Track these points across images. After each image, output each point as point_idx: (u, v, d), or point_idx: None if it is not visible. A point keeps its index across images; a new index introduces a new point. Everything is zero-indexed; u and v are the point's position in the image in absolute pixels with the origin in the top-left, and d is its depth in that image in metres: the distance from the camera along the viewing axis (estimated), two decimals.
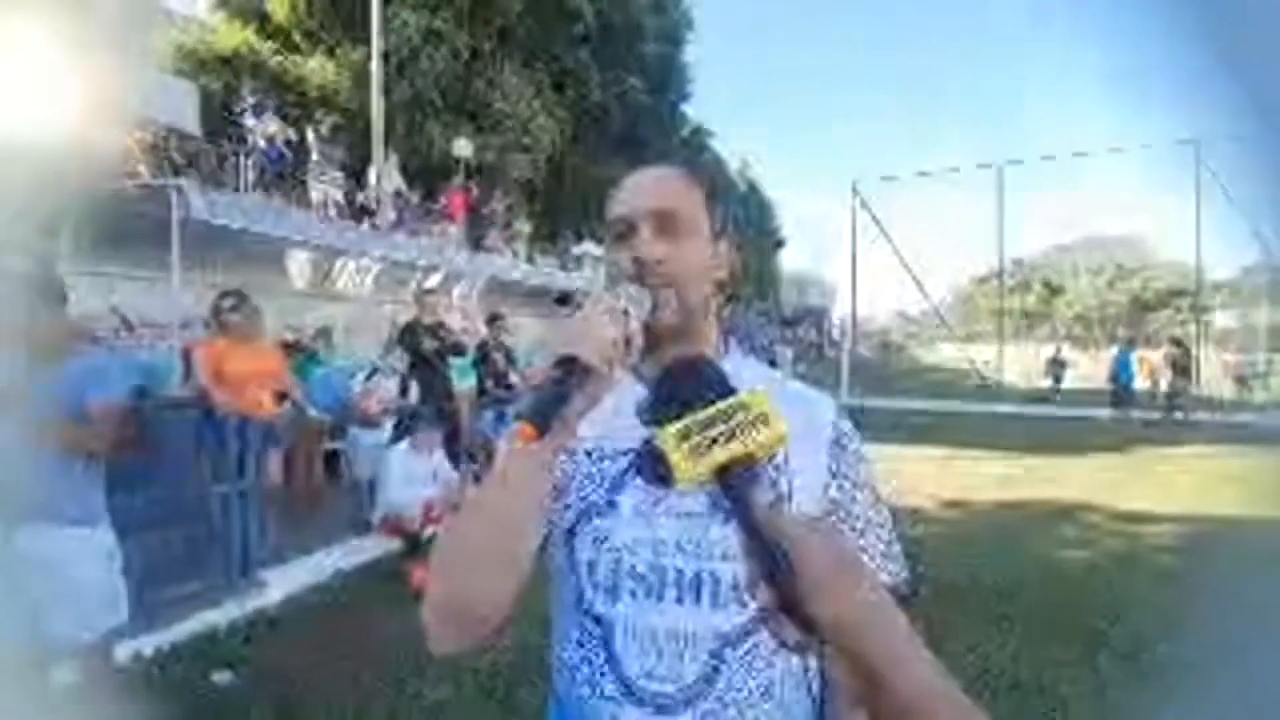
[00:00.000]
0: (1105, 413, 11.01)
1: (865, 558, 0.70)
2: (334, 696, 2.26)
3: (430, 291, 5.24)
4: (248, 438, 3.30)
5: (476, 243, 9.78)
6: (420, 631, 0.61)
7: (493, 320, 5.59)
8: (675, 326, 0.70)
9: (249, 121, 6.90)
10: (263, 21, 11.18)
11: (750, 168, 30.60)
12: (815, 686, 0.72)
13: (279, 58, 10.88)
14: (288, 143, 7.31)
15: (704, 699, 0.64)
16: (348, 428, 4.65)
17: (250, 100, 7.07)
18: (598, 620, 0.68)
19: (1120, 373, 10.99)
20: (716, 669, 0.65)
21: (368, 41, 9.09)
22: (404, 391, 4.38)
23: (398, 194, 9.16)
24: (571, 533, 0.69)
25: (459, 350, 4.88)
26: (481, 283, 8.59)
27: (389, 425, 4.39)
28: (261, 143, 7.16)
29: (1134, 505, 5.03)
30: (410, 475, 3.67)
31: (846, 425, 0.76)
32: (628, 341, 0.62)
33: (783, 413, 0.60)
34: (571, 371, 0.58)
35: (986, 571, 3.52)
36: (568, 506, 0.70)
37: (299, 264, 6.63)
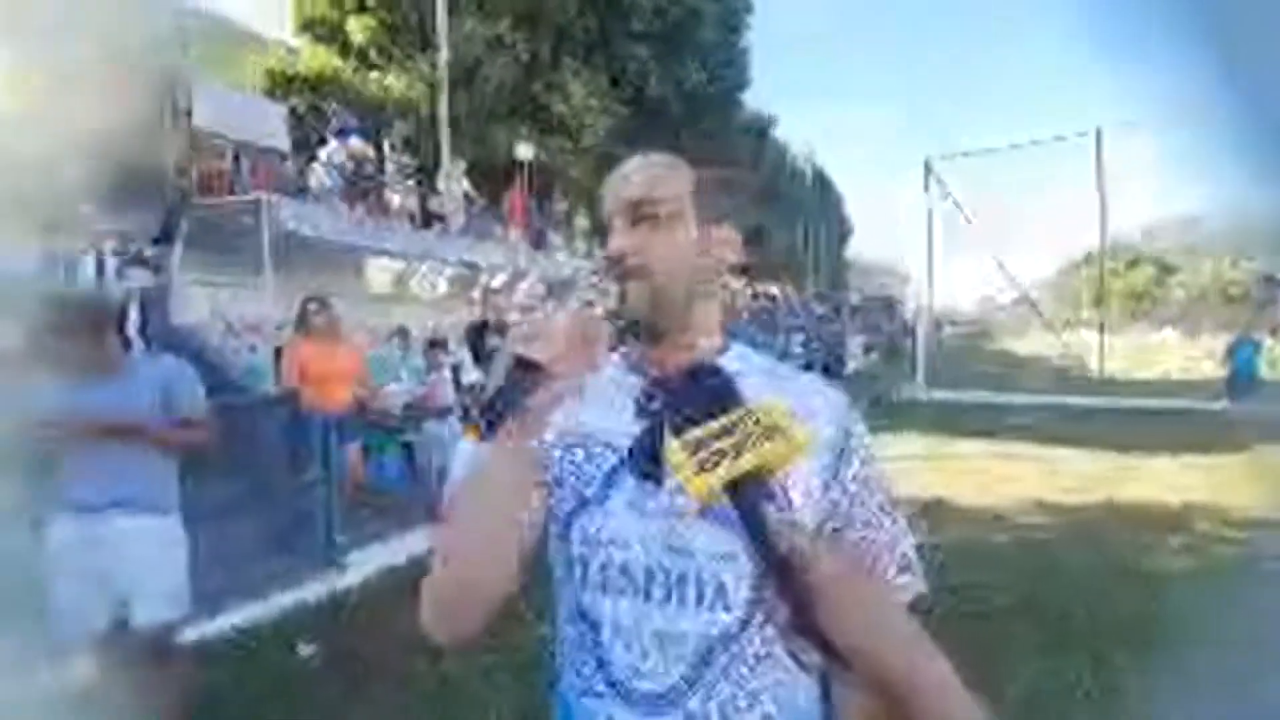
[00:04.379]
0: (1221, 406, 9.73)
1: (875, 567, 0.67)
2: (406, 672, 2.41)
3: (494, 291, 5.45)
4: (329, 431, 3.57)
5: (538, 242, 10.05)
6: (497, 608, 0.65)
7: None
8: (652, 320, 0.68)
9: (334, 141, 7.43)
10: (343, 43, 11.98)
11: (815, 154, 29.45)
12: (816, 697, 0.69)
13: (357, 75, 11.63)
14: (366, 158, 7.79)
15: (689, 700, 0.63)
16: (422, 421, 4.93)
17: (336, 122, 7.61)
18: (588, 616, 0.68)
19: (1240, 361, 9.61)
20: (702, 671, 0.64)
21: (436, 53, 9.55)
22: (458, 386, 4.58)
23: (466, 198, 9.56)
24: (566, 527, 0.69)
25: None
26: (534, 280, 8.78)
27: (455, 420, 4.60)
28: (346, 159, 7.68)
29: (1250, 511, 4.43)
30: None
31: (853, 423, 0.71)
32: (590, 338, 0.61)
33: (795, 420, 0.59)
34: (525, 372, 0.57)
35: (1071, 582, 3.22)
36: (563, 501, 0.69)
37: (377, 270, 7.07)
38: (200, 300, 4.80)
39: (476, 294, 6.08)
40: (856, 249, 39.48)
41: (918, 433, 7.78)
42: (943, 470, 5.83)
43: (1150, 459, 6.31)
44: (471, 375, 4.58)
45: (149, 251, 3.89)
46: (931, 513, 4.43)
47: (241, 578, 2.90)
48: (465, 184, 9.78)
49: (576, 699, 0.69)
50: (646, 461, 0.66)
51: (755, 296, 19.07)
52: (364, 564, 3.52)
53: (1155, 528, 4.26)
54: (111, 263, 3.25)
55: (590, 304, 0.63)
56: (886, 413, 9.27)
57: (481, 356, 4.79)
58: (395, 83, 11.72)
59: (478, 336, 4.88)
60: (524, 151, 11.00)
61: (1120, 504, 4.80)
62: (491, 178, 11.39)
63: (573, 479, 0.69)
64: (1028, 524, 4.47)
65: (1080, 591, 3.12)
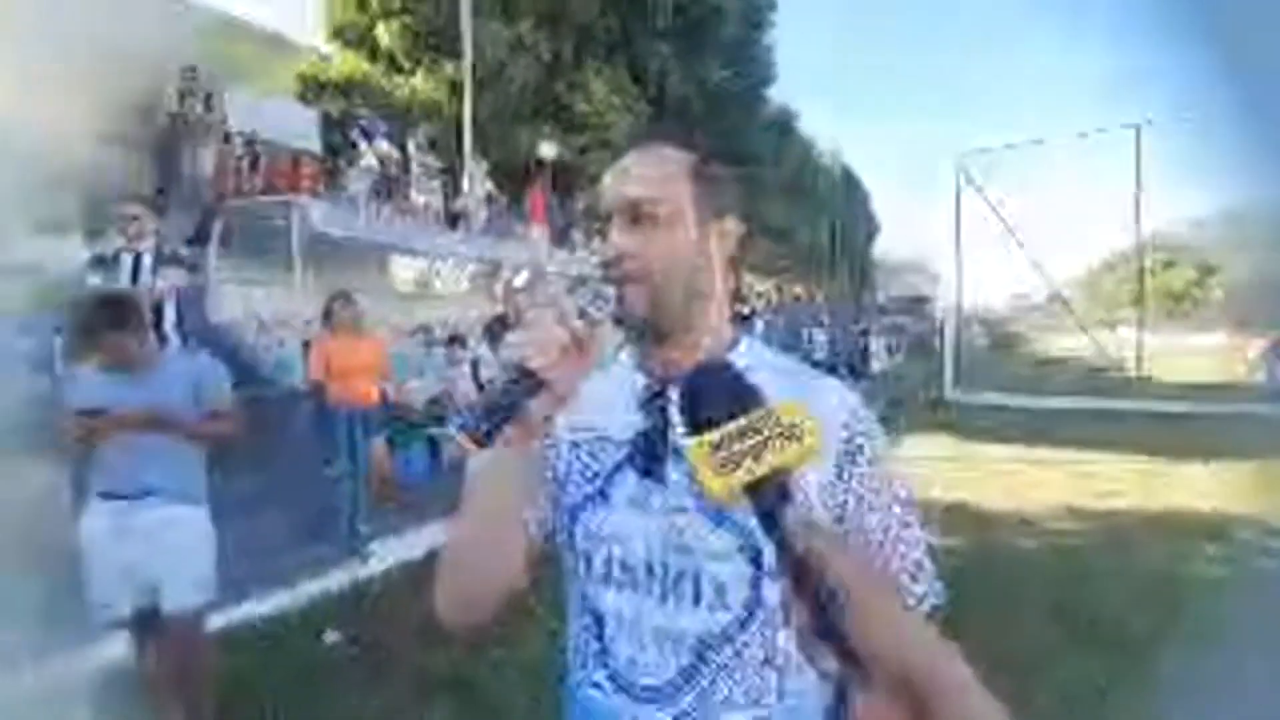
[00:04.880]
0: (1261, 409, 9.27)
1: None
2: (427, 659, 2.46)
3: (514, 288, 5.51)
4: (354, 425, 3.66)
5: (559, 240, 10.13)
6: (504, 599, 0.68)
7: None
8: (654, 321, 0.67)
9: (362, 144, 7.61)
10: (372, 47, 12.23)
11: (842, 151, 28.92)
12: (821, 697, 0.67)
13: (386, 79, 11.86)
14: (392, 160, 7.96)
15: (686, 695, 0.64)
16: (445, 416, 5.02)
17: (363, 124, 7.80)
18: (592, 609, 0.69)
19: None
20: (699, 667, 0.65)
21: (460, 56, 9.70)
22: (477, 382, 4.64)
23: (488, 198, 9.69)
24: (571, 522, 0.70)
25: None
26: (554, 277, 8.85)
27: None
28: (374, 162, 7.86)
29: None
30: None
31: (864, 422, 0.68)
32: (583, 344, 0.60)
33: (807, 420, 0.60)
34: (518, 379, 0.57)
35: (1102, 589, 3.12)
36: (568, 496, 0.71)
37: (402, 267, 7.22)
38: (235, 298, 4.96)
39: (498, 290, 6.16)
40: (884, 247, 38.71)
41: (945, 435, 7.63)
42: (971, 474, 5.71)
43: (1185, 464, 6.08)
44: (490, 371, 4.63)
45: (184, 251, 4.05)
46: (959, 517, 4.34)
47: (268, 567, 3.00)
48: (487, 183, 9.92)
49: (581, 690, 0.70)
50: (648, 459, 0.66)
51: (780, 296, 18.92)
52: (388, 555, 3.60)
53: (1189, 534, 4.11)
54: (148, 262, 3.38)
55: (586, 313, 0.61)
56: (913, 414, 9.11)
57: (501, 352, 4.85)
58: (421, 86, 11.92)
59: (498, 332, 4.95)
60: (546, 151, 11.11)
61: (1153, 510, 4.64)
62: (514, 177, 11.52)
63: (578, 475, 0.70)
64: (1058, 529, 4.35)
65: (1111, 599, 3.03)
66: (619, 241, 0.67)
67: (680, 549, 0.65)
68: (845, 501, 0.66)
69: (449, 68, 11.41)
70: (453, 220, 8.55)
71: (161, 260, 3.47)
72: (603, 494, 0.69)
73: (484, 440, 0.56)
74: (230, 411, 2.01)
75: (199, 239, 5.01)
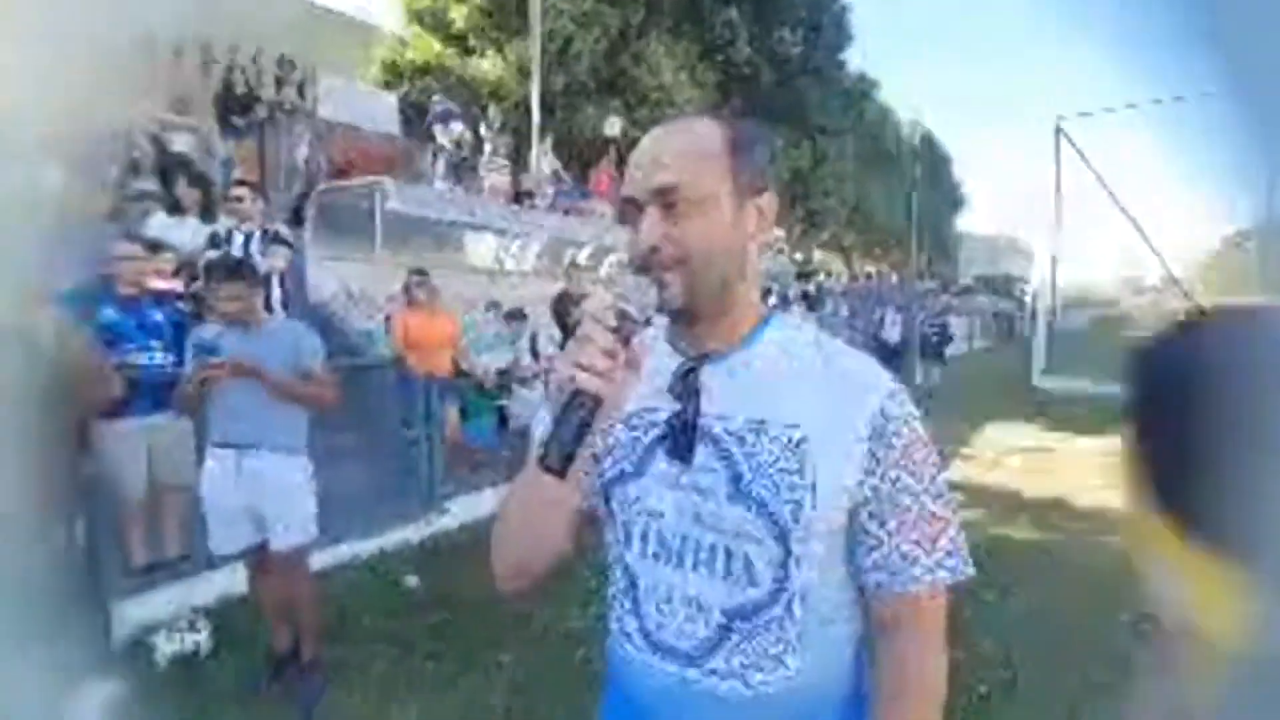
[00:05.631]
0: None
1: (920, 553, 0.65)
2: (492, 606, 2.68)
3: (578, 265, 5.65)
4: (430, 392, 3.95)
5: (624, 217, 10.16)
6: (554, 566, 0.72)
7: None
8: (692, 308, 0.66)
9: (437, 127, 7.95)
10: (447, 28, 12.60)
11: (924, 118, 26.83)
12: (846, 661, 0.71)
13: (458, 61, 12.22)
14: (465, 141, 8.26)
15: (714, 658, 0.67)
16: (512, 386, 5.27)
17: (438, 108, 8.13)
18: (629, 574, 0.73)
19: None
20: (726, 634, 0.67)
21: (529, 34, 9.83)
22: (535, 356, 4.83)
23: (555, 176, 9.86)
24: (610, 494, 0.73)
25: None
26: (618, 255, 8.90)
27: (540, 385, 4.89)
28: (448, 144, 8.19)
29: None
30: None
31: (898, 404, 0.67)
32: (631, 351, 0.60)
33: (813, 388, 0.65)
34: (576, 401, 0.57)
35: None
36: (609, 470, 0.73)
37: (474, 245, 7.54)
38: (327, 275, 5.41)
39: (564, 267, 6.33)
40: (971, 222, 35.88)
41: (1034, 426, 7.16)
42: (1061, 468, 5.34)
43: None
44: (549, 347, 4.81)
45: (285, 231, 4.46)
46: (1048, 514, 4.11)
47: (356, 517, 3.33)
48: (555, 161, 10.08)
49: (618, 645, 0.74)
50: (678, 439, 0.68)
51: (851, 273, 18.05)
52: (460, 512, 3.90)
53: None
54: (255, 241, 3.76)
55: (626, 315, 0.60)
56: (998, 402, 8.57)
57: (566, 327, 5.02)
58: (491, 66, 12.19)
59: (563, 308, 5.12)
60: (612, 126, 11.11)
61: None
62: (581, 154, 11.62)
63: (617, 450, 0.72)
64: None
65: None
66: (652, 231, 0.64)
67: (710, 526, 0.67)
68: (879, 486, 0.65)
69: (519, 47, 11.59)
70: (521, 198, 8.80)
71: (266, 239, 3.85)
72: (638, 469, 0.70)
73: (564, 473, 0.57)
74: (323, 377, 2.25)
75: (296, 220, 5.48)
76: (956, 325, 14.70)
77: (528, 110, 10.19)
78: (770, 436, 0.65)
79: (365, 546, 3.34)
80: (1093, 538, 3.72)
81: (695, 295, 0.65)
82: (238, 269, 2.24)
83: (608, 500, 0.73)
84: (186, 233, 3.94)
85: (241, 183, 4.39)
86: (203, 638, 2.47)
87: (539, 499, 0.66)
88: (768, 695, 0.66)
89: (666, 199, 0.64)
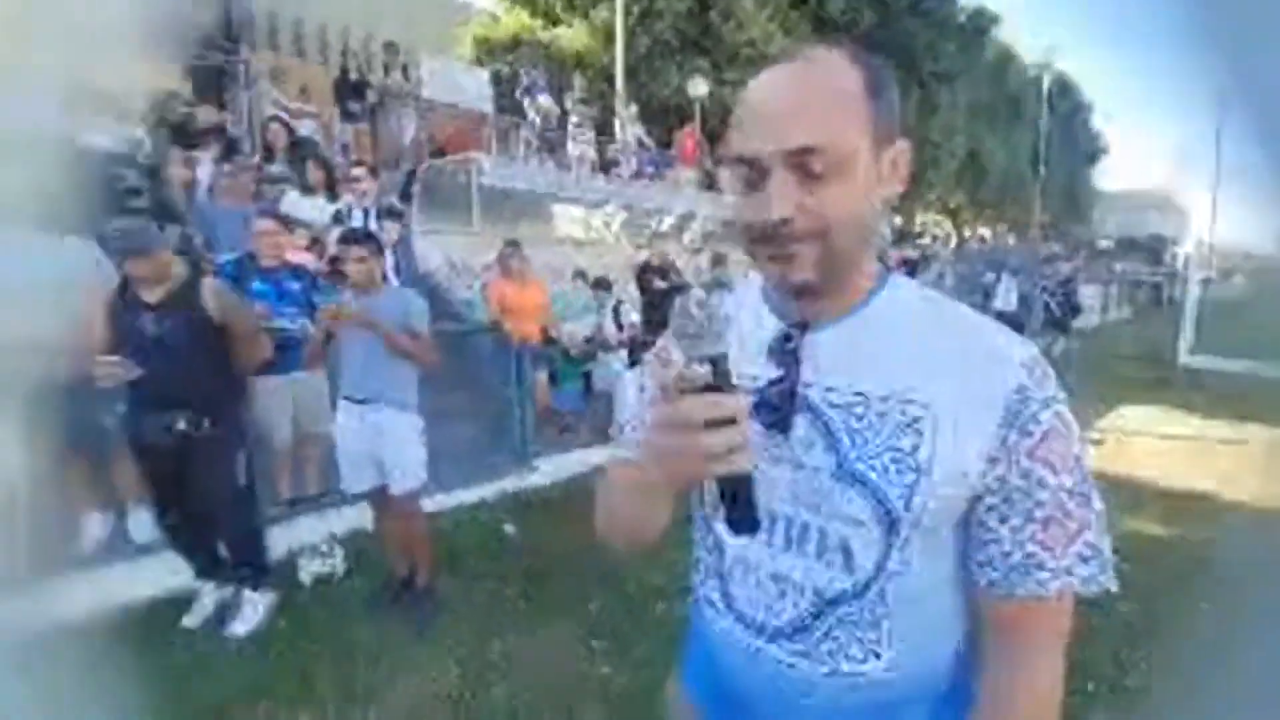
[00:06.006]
0: None
1: (1047, 556, 0.57)
2: (579, 557, 2.89)
3: (661, 234, 5.68)
4: (521, 357, 4.20)
5: (710, 183, 9.98)
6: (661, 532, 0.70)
7: (716, 262, 5.80)
8: (821, 281, 0.58)
9: (525, 101, 8.19)
10: (534, 2, 12.76)
11: (1055, 59, 23.49)
12: (947, 658, 0.65)
13: (545, 33, 12.37)
14: (551, 113, 8.45)
15: (800, 638, 0.64)
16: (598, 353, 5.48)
17: (526, 82, 8.35)
18: (716, 540, 0.69)
19: None
20: (816, 617, 0.63)
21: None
22: (618, 324, 4.95)
23: (639, 143, 9.83)
24: None
25: (683, 290, 5.26)
26: (701, 222, 8.77)
27: (624, 352, 5.04)
28: (535, 117, 8.42)
29: None
30: (638, 395, 4.22)
31: (1039, 383, 0.56)
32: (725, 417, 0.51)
33: (936, 360, 0.57)
34: (732, 479, 0.53)
35: None
36: None
37: (562, 216, 7.77)
38: (431, 246, 5.84)
39: (647, 236, 6.39)
40: (1111, 175, 31.13)
41: (1183, 409, 6.31)
42: (1216, 457, 4.73)
43: None
44: (632, 315, 4.92)
45: (398, 206, 4.87)
46: (1200, 509, 3.67)
47: (460, 468, 3.67)
48: (638, 128, 10.03)
49: (704, 609, 0.72)
50: (776, 409, 0.62)
51: (962, 239, 16.53)
52: (551, 470, 4.17)
53: None
54: (372, 216, 4.15)
55: (686, 379, 0.51)
56: (1138, 381, 7.65)
57: (650, 297, 5.10)
58: (578, 35, 12.23)
59: (646, 278, 5.20)
60: (697, 87, 10.82)
61: None
62: (665, 120, 11.46)
63: None
64: None
65: None
66: (785, 200, 0.54)
67: (807, 505, 0.62)
68: (1007, 477, 0.56)
69: (604, 12, 11.51)
70: (608, 167, 8.89)
71: (380, 215, 4.23)
72: None
73: (754, 530, 0.55)
74: (428, 340, 2.49)
75: (404, 196, 5.93)
76: (1090, 294, 13.07)
77: (611, 79, 10.18)
78: (881, 412, 0.58)
79: (467, 495, 3.69)
80: (1248, 538, 3.30)
81: (827, 269, 0.57)
82: (366, 239, 2.50)
83: None
84: (316, 210, 4.41)
85: (359, 163, 4.82)
86: (336, 562, 2.88)
87: (644, 488, 0.61)
88: (856, 683, 0.62)
89: (804, 161, 0.53)
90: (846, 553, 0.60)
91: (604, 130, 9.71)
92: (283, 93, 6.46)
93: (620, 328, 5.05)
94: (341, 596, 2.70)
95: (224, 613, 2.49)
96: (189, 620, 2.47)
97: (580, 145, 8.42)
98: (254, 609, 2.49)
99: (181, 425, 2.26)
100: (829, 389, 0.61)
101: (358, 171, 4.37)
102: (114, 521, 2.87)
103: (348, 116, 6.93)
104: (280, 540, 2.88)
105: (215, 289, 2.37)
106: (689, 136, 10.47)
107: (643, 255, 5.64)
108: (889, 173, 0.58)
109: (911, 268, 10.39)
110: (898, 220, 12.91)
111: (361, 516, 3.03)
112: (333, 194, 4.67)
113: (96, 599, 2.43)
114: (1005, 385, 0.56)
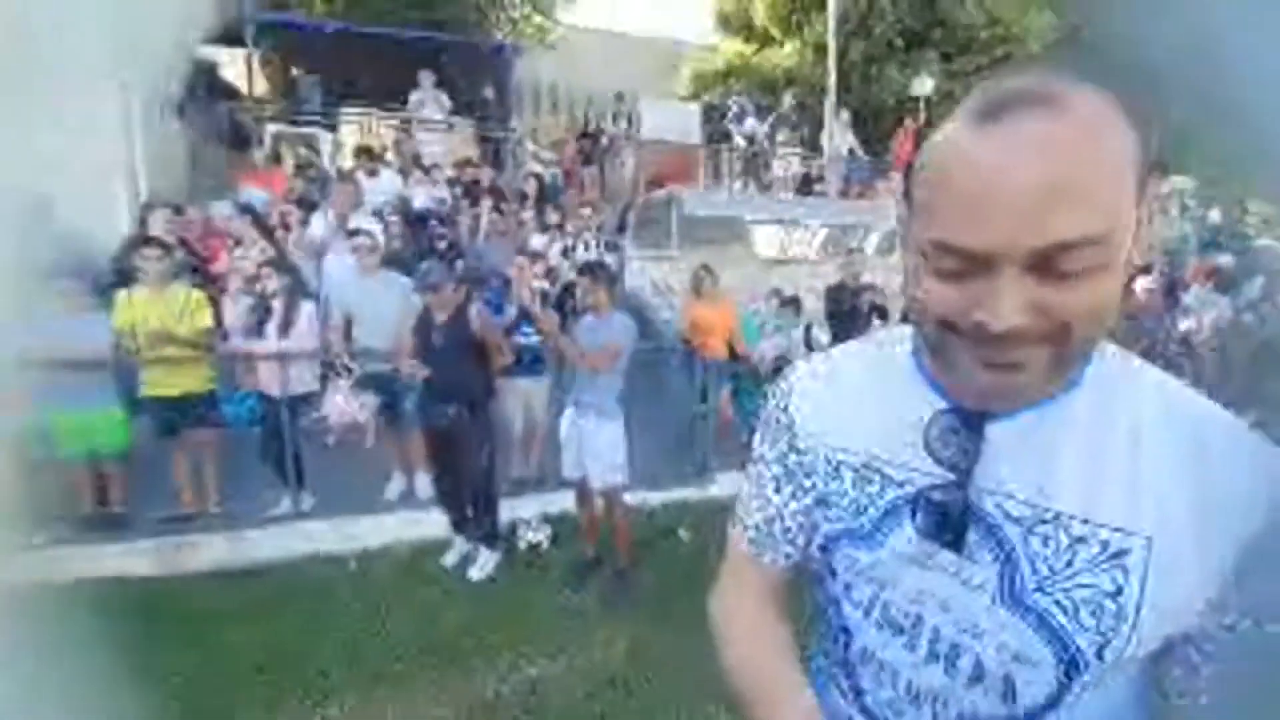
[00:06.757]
0: None
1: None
2: None
3: (858, 252, 5.50)
4: (709, 374, 4.53)
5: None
6: None
7: None
8: (1037, 387, 0.47)
9: (732, 126, 8.62)
10: (749, 28, 13.16)
11: None
12: None
13: (758, 56, 12.67)
14: (756, 138, 8.71)
15: None
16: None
17: (734, 109, 8.80)
18: (844, 627, 0.61)
19: None
20: None
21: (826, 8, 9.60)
22: (808, 345, 4.89)
23: (850, 154, 9.48)
24: (829, 547, 0.60)
25: (881, 313, 5.01)
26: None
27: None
28: (741, 142, 8.79)
29: None
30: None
31: None
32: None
33: (1153, 471, 0.44)
34: None
35: None
36: (828, 521, 0.59)
37: (761, 237, 7.97)
38: (641, 272, 6.59)
39: (843, 256, 6.21)
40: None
41: None
42: None
43: None
44: (823, 337, 4.86)
45: (615, 238, 5.69)
46: None
47: (648, 472, 4.13)
48: (850, 137, 9.65)
49: (824, 682, 0.65)
50: (939, 516, 0.51)
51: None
52: (726, 483, 4.40)
53: None
54: (596, 247, 4.97)
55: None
56: None
57: (840, 318, 4.99)
58: (787, 52, 12.25)
59: (838, 300, 5.10)
60: (923, 85, 9.98)
61: None
62: (881, 126, 10.80)
63: (839, 498, 0.58)
64: None
65: None
66: (1016, 306, 0.42)
67: (960, 617, 0.52)
68: (1239, 620, 0.45)
69: (817, 25, 11.37)
70: (810, 183, 8.81)
71: (602, 246, 5.00)
72: (872, 535, 0.56)
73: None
74: (622, 357, 2.94)
75: (620, 228, 6.80)
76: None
77: (823, 90, 10.00)
78: (1079, 537, 0.47)
79: (651, 497, 4.13)
80: None
81: (1056, 369, 0.45)
82: (599, 269, 3.06)
83: (826, 550, 0.60)
84: (553, 245, 5.39)
85: (585, 203, 5.74)
86: (545, 536, 3.54)
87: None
88: None
89: (1055, 259, 0.41)
90: (1008, 685, 0.50)
91: (813, 145, 9.60)
92: (539, 147, 7.97)
93: (810, 348, 5.05)
94: (550, 564, 3.33)
95: (465, 561, 3.30)
96: (446, 559, 3.32)
97: (785, 163, 8.51)
98: (486, 561, 3.24)
99: (451, 412, 3.07)
100: (1004, 495, 0.49)
101: (585, 211, 5.23)
102: (407, 481, 3.97)
103: (586, 162, 8.22)
104: (505, 512, 3.65)
105: (478, 311, 3.17)
106: (907, 139, 9.73)
107: (836, 275, 5.52)
108: (1147, 219, 0.43)
109: (1222, 279, 7.73)
110: (1198, 213, 9.83)
111: (567, 501, 3.67)
112: (563, 230, 5.64)
113: (392, 536, 3.46)
114: (1249, 518, 0.43)
